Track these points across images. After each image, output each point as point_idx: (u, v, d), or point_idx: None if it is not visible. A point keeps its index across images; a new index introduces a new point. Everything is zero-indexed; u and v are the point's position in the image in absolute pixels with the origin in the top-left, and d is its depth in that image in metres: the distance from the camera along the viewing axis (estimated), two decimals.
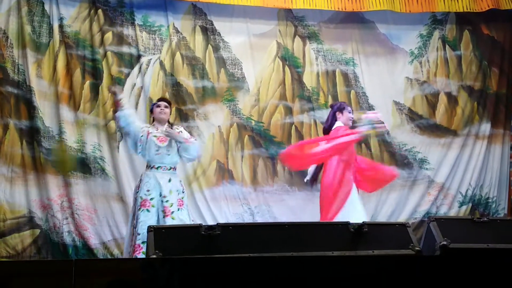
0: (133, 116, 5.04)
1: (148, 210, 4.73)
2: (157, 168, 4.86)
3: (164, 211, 4.73)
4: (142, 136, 4.90)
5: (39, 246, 6.06)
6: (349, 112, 5.38)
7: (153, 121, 5.11)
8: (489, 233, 2.99)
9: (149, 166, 4.90)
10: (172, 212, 4.74)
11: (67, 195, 6.16)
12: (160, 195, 4.76)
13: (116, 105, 5.03)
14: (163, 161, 4.86)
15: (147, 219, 4.68)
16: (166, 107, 5.06)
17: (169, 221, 4.68)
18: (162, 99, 5.29)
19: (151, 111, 5.18)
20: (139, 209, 4.75)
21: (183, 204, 4.84)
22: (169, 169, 4.90)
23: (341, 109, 5.41)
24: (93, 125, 6.36)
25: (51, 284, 2.29)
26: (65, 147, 6.21)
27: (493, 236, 2.98)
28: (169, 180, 4.84)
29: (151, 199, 4.75)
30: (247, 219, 6.50)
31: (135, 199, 4.87)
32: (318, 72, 6.96)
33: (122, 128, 5.02)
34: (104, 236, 6.20)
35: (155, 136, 4.89)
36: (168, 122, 5.10)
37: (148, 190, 4.78)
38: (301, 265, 2.49)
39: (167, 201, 4.75)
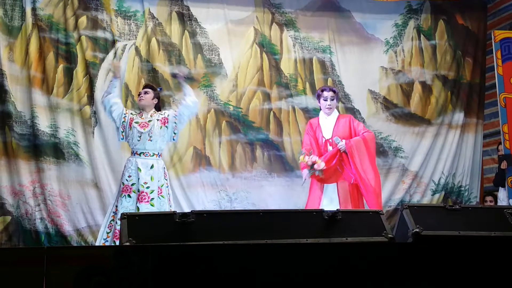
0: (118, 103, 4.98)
1: (129, 196, 4.72)
2: (139, 154, 4.83)
3: (139, 197, 4.70)
4: (123, 122, 4.86)
5: (10, 233, 5.97)
6: (325, 100, 5.19)
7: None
8: (461, 221, 3.02)
9: (132, 153, 4.88)
10: (152, 198, 4.71)
11: (39, 181, 6.08)
12: (139, 181, 4.73)
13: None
14: (145, 147, 4.82)
15: (129, 204, 4.68)
16: (146, 93, 4.96)
17: (145, 207, 4.64)
18: (144, 86, 5.22)
19: None
20: (121, 195, 4.74)
21: (161, 192, 4.80)
22: (152, 155, 4.85)
23: (318, 98, 5.30)
24: (66, 109, 6.27)
25: (22, 272, 2.25)
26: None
27: (464, 223, 3.01)
28: (151, 167, 4.80)
29: (132, 184, 4.73)
30: (225, 206, 6.50)
31: (119, 186, 4.86)
32: (296, 59, 6.97)
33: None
34: (78, 223, 6.14)
35: (137, 122, 4.85)
36: (158, 107, 5.01)
37: (129, 176, 4.76)
38: (275, 252, 2.49)
39: (148, 187, 4.72)
